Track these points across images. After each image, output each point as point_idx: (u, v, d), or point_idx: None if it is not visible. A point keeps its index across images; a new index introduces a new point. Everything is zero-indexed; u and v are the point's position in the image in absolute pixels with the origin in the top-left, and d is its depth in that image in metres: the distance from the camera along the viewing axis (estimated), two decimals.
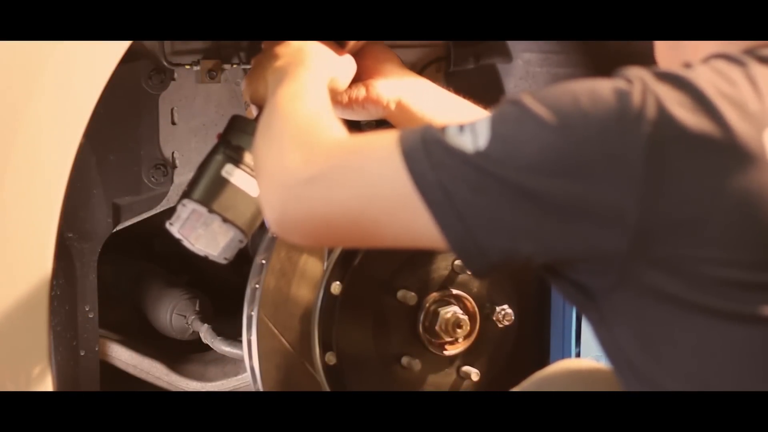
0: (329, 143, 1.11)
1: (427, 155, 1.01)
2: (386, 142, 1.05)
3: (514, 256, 1.00)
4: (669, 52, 1.13)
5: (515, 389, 1.38)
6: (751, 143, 0.93)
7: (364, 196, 1.04)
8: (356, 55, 1.56)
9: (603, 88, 0.98)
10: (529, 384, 1.39)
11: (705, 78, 0.97)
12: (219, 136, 1.63)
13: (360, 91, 1.56)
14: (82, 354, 1.80)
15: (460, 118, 1.34)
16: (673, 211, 0.93)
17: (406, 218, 1.02)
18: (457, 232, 0.99)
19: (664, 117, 0.94)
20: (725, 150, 0.93)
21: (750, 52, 1.02)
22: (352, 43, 1.52)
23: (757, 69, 0.99)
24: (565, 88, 1.01)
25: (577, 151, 0.95)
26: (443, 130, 1.03)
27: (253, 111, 1.54)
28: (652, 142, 0.93)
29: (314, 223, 1.07)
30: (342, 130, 1.16)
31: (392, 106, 1.57)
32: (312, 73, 1.35)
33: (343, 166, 1.06)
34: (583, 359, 1.84)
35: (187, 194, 1.60)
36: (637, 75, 0.99)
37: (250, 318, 1.80)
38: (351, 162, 1.06)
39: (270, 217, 1.13)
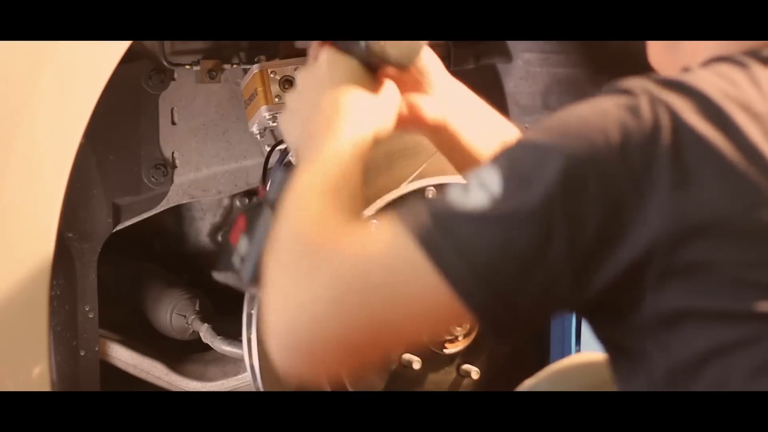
0: (339, 259, 0.98)
1: (446, 237, 0.93)
2: (398, 240, 0.95)
3: (546, 301, 0.95)
4: (665, 56, 1.12)
5: (530, 381, 1.37)
6: (761, 144, 0.93)
7: (388, 309, 0.94)
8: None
9: (610, 107, 0.95)
10: (544, 377, 1.37)
11: (708, 82, 0.96)
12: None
13: (401, 111, 1.38)
14: (82, 354, 1.80)
15: (498, 139, 1.31)
16: (696, 217, 0.92)
17: (437, 311, 0.95)
18: (485, 301, 0.93)
19: (679, 125, 0.93)
20: (738, 152, 0.93)
21: (752, 54, 1.02)
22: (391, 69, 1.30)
23: (760, 70, 0.99)
24: (571, 114, 0.97)
25: (598, 173, 0.93)
26: (449, 198, 0.96)
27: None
28: (672, 151, 0.92)
29: (330, 347, 0.96)
30: (356, 229, 1.02)
31: (436, 129, 1.39)
32: (345, 136, 1.16)
33: (361, 285, 0.95)
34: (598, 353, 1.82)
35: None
36: (641, 86, 0.97)
37: (250, 317, 1.80)
38: (369, 278, 0.95)
39: (275, 345, 0.99)
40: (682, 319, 0.93)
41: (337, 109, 1.19)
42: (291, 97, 1.30)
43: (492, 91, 2.02)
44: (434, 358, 1.91)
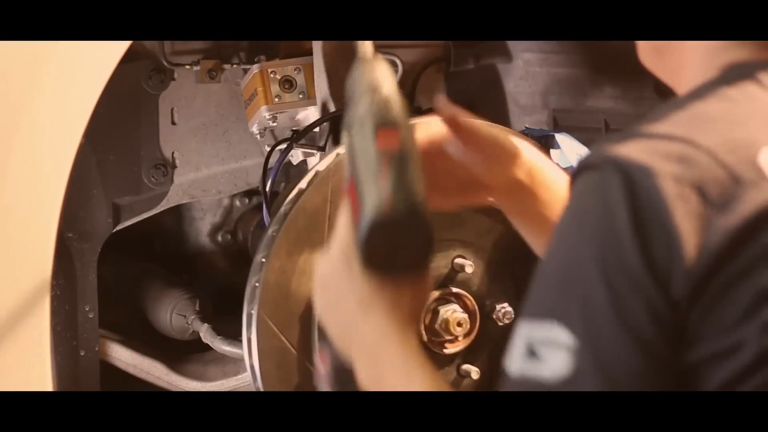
0: None
1: None
2: None
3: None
4: (655, 59, 1.12)
5: None
6: (745, 172, 0.92)
7: None
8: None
9: (582, 197, 0.93)
10: None
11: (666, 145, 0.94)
12: None
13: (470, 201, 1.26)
14: (82, 354, 1.80)
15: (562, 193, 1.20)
16: (707, 254, 0.91)
17: None
18: None
19: (653, 181, 0.92)
20: (723, 187, 0.92)
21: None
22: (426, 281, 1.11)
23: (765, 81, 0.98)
24: (571, 222, 0.95)
25: (609, 261, 0.91)
26: (530, 378, 0.93)
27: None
28: (660, 202, 0.91)
29: None
30: None
31: (508, 192, 1.25)
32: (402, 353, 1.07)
33: None
34: None
35: None
36: (602, 160, 0.93)
37: (250, 317, 1.80)
38: None
39: None
40: None
41: (382, 332, 1.07)
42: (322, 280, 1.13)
43: (492, 91, 2.02)
44: (434, 358, 1.91)
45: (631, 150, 0.93)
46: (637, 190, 0.91)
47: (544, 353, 0.92)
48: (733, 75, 1.00)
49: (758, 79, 0.99)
